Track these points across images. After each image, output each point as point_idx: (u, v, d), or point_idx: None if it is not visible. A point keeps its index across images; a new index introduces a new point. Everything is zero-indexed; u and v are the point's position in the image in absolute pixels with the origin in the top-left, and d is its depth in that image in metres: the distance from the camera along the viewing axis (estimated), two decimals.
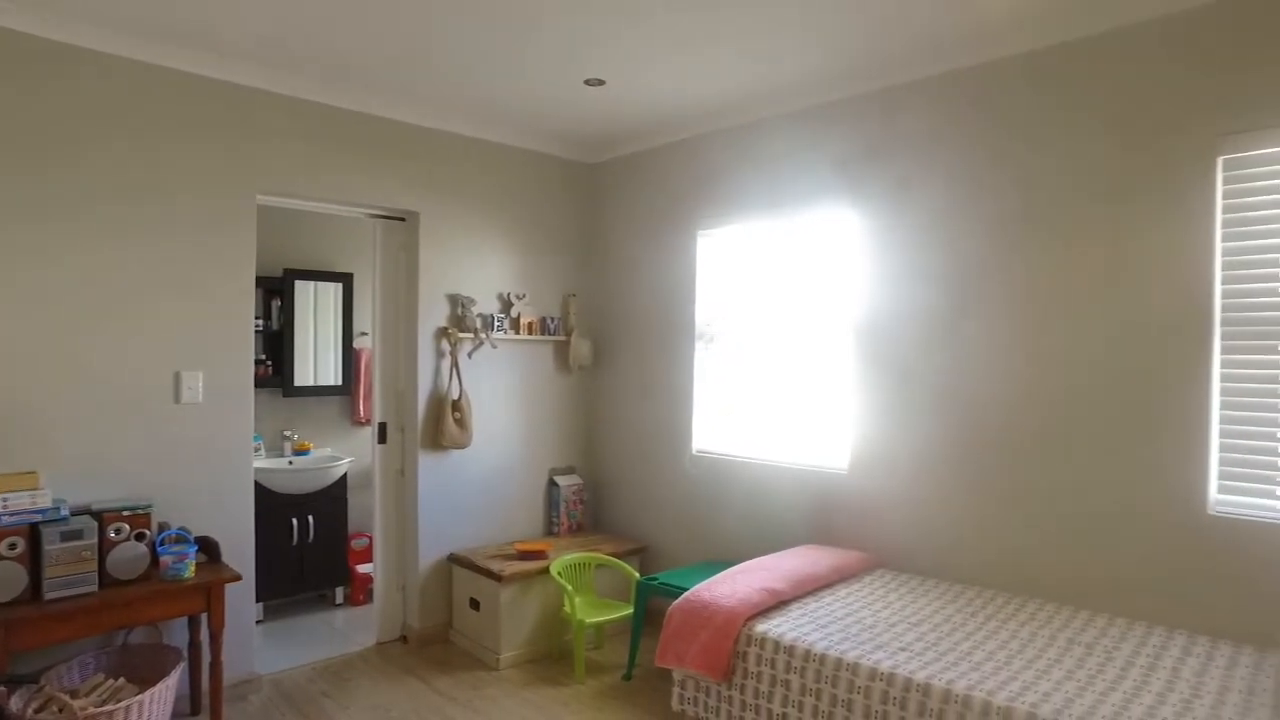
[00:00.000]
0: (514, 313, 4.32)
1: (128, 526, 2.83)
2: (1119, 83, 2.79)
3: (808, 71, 3.35)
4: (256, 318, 4.56)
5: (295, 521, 4.39)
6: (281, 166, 3.48)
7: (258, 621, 4.22)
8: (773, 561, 3.15)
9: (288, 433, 4.71)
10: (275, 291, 4.69)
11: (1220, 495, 2.59)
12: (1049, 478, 2.93)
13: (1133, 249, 2.75)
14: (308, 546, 4.44)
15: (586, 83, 3.50)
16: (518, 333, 4.33)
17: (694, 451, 4.15)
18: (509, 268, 4.33)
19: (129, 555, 2.80)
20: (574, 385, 4.66)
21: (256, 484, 4.06)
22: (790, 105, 3.69)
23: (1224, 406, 2.59)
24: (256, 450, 4.54)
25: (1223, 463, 2.60)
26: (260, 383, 4.52)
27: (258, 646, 3.81)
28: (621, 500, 4.55)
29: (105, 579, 2.76)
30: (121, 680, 2.80)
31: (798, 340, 3.74)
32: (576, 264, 4.70)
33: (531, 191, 4.45)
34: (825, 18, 2.83)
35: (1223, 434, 2.60)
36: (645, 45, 3.10)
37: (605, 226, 4.67)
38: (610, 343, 4.64)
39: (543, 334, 4.45)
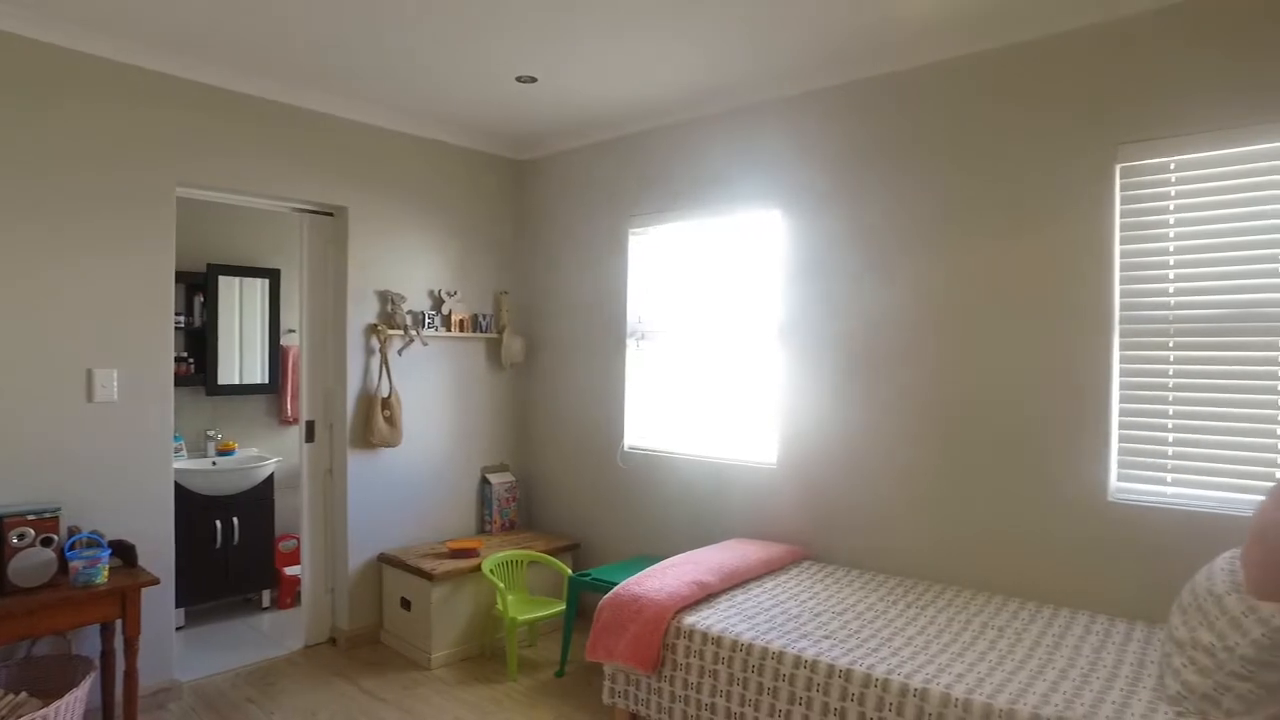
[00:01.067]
0: (446, 310, 4.28)
1: (32, 531, 2.71)
2: (1027, 93, 2.92)
3: (738, 73, 3.41)
4: (178, 314, 4.42)
5: (219, 524, 4.26)
6: (201, 157, 3.38)
7: (179, 628, 4.09)
8: (702, 555, 3.20)
9: (211, 432, 4.58)
10: (198, 287, 4.55)
11: (1119, 483, 2.75)
12: (965, 470, 3.06)
13: (1042, 251, 2.89)
14: (233, 549, 4.32)
15: (518, 79, 3.49)
16: (449, 330, 4.29)
17: (626, 448, 4.18)
18: (441, 264, 4.29)
19: (33, 562, 2.69)
20: (506, 383, 4.65)
21: (177, 485, 3.95)
22: (721, 105, 3.75)
23: (1122, 400, 2.75)
24: (177, 451, 4.40)
25: (1121, 452, 2.75)
26: (182, 381, 4.37)
27: (179, 653, 3.70)
28: (554, 497, 4.56)
29: (7, 587, 2.64)
30: (24, 695, 2.68)
31: (728, 337, 3.81)
32: (509, 261, 4.68)
33: (464, 188, 4.41)
34: (755, 21, 2.89)
35: (1121, 425, 2.75)
36: (577, 43, 3.11)
37: (538, 224, 4.67)
38: (543, 340, 4.64)
39: (475, 331, 4.42)
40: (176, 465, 4.14)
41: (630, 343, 4.20)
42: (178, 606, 4.01)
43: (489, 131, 4.34)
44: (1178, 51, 2.61)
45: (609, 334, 4.27)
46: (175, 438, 4.41)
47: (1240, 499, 2.52)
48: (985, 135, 3.02)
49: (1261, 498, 2.42)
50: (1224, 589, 2.04)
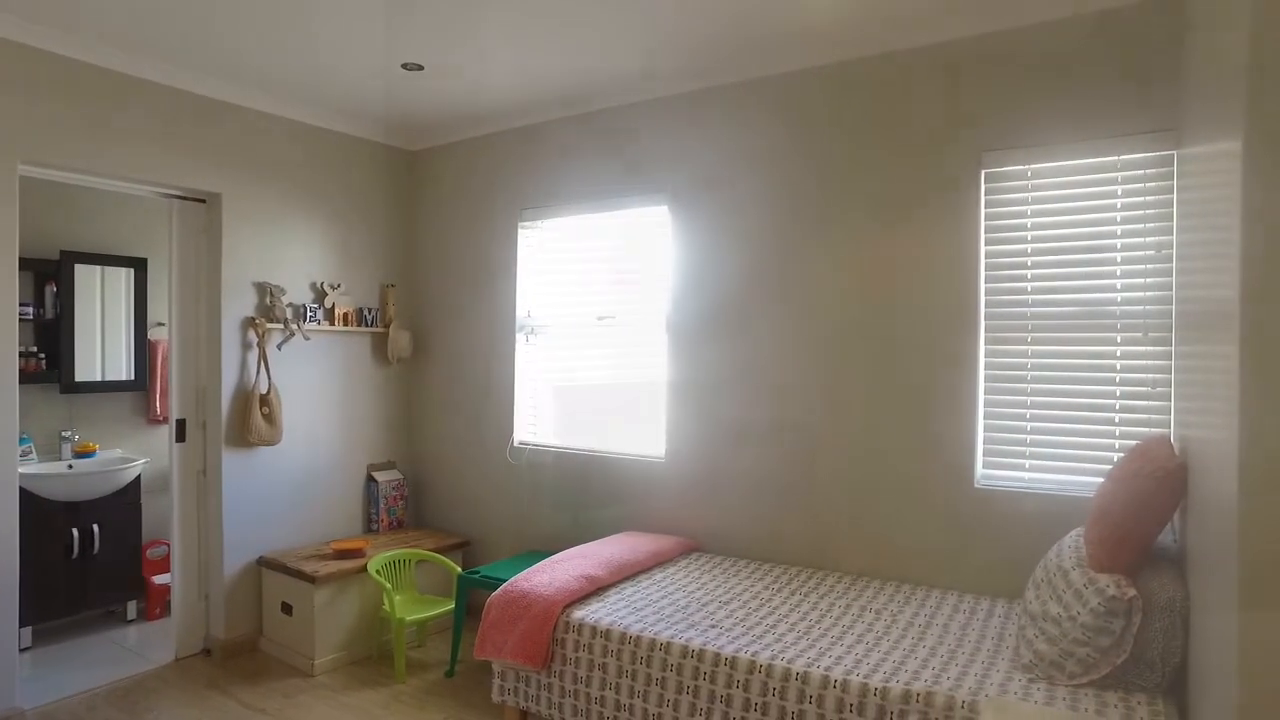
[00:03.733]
0: (329, 303, 4.11)
1: None
2: (901, 99, 3.07)
3: (628, 70, 3.42)
4: (24, 304, 4.08)
5: (76, 532, 3.96)
6: (51, 134, 3.12)
7: (23, 649, 3.77)
8: (592, 549, 3.21)
9: (67, 433, 4.24)
10: (50, 276, 4.20)
11: (984, 470, 2.93)
12: (843, 459, 3.19)
13: (915, 250, 3.04)
14: (92, 559, 4.02)
15: (404, 67, 3.39)
16: (333, 324, 4.13)
17: (515, 443, 4.14)
18: (323, 256, 4.12)
19: None
20: (393, 378, 4.52)
21: (24, 491, 3.65)
22: (611, 101, 3.76)
23: (987, 392, 2.93)
24: (25, 454, 4.05)
25: (986, 441, 2.93)
26: (30, 378, 4.04)
27: (24, 677, 3.43)
28: (443, 495, 4.47)
29: None
30: None
31: (617, 331, 3.82)
32: (396, 253, 4.54)
33: (348, 177, 4.25)
34: (643, 19, 2.91)
35: (986, 415, 2.94)
36: (465, 33, 3.04)
37: (426, 216, 4.55)
38: (431, 334, 4.53)
39: (360, 325, 4.27)
40: (23, 470, 3.82)
41: (520, 337, 4.16)
42: (23, 625, 3.70)
43: (375, 119, 4.20)
44: (1020, 72, 2.81)
45: (498, 328, 4.22)
46: (21, 439, 4.06)
47: (1087, 481, 2.74)
48: (860, 139, 3.15)
49: (1102, 480, 2.64)
50: (1070, 564, 2.21)
